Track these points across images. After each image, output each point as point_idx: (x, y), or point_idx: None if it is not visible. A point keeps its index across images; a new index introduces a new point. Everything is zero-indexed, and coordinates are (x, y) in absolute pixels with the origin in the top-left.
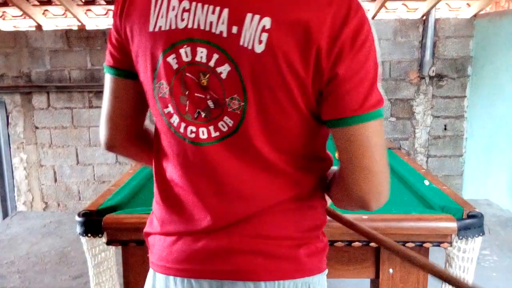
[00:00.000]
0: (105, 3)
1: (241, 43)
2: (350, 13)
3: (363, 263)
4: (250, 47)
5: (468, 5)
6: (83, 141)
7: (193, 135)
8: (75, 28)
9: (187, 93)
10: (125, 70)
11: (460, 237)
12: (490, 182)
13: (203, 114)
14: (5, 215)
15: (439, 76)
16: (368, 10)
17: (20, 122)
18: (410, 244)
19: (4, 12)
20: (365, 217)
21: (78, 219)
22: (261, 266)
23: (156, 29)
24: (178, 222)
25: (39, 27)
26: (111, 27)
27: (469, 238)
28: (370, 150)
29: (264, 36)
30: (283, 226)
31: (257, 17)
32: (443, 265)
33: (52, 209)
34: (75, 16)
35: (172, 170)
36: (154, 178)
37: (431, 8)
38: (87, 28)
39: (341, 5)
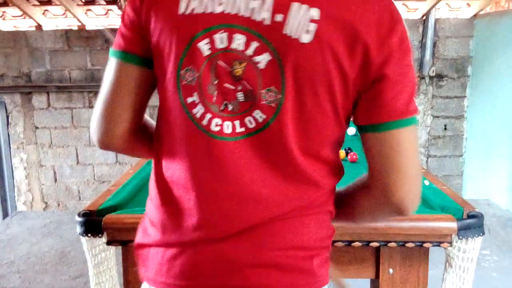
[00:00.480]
0: (105, 3)
1: (284, 32)
2: (394, 19)
3: (363, 263)
4: (295, 37)
5: (468, 5)
6: (83, 141)
7: (217, 128)
8: (75, 28)
9: (216, 82)
10: (137, 56)
11: (460, 237)
12: (490, 182)
13: (230, 107)
14: (5, 215)
15: (439, 76)
16: None
17: (20, 122)
18: (410, 244)
19: (4, 12)
20: None
21: (78, 219)
22: (275, 280)
23: (188, 12)
24: (182, 230)
25: (39, 27)
26: (111, 27)
27: (469, 238)
28: (410, 154)
29: (313, 26)
30: (299, 235)
31: (305, 6)
32: (443, 265)
33: (52, 209)
34: (75, 16)
35: (179, 169)
36: (154, 179)
37: (431, 8)
38: (87, 28)
39: (384, 11)
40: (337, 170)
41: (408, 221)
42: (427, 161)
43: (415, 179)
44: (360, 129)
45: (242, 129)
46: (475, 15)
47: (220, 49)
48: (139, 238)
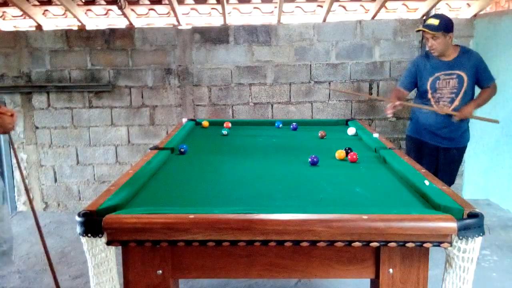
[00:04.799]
0: (105, 3)
1: None
2: None
3: (363, 263)
4: None
5: (468, 5)
6: (83, 141)
7: None
8: (75, 28)
9: None
10: None
11: (460, 237)
12: (490, 182)
13: None
14: None
15: None
16: (368, 10)
17: (20, 122)
18: (410, 244)
19: (4, 12)
20: (365, 217)
21: (78, 219)
22: None
23: None
24: None
25: (39, 27)
26: (111, 27)
27: (469, 238)
28: None
29: None
30: None
31: None
32: (443, 265)
33: (52, 209)
34: (75, 16)
35: None
36: None
37: (431, 8)
38: (87, 28)
39: None
40: None
41: (408, 221)
42: None
43: None
44: None
45: None
46: (475, 15)
47: None
48: None
